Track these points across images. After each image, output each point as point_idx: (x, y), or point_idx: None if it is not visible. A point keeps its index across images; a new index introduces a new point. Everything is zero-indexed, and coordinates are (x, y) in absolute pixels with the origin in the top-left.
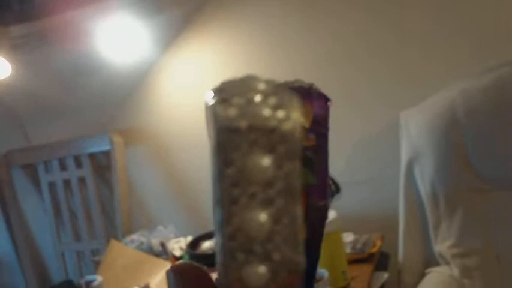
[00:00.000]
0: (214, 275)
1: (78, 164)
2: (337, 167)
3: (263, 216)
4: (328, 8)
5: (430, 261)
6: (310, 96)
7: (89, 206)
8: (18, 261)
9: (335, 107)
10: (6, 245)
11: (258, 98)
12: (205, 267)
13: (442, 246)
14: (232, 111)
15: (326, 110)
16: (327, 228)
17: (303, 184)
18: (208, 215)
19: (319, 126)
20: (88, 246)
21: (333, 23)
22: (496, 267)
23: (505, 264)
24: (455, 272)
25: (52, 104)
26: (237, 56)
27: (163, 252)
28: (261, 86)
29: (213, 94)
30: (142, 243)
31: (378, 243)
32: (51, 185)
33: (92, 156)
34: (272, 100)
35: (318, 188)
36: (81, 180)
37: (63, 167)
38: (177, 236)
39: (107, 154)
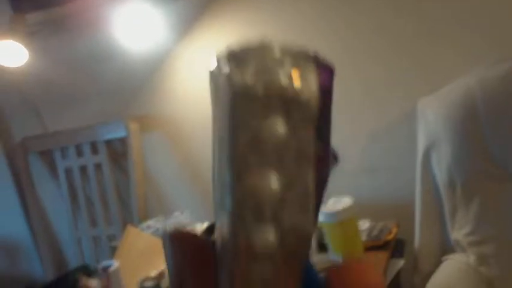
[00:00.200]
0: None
1: (95, 150)
2: (354, 154)
3: (275, 181)
4: None
5: (446, 248)
6: (317, 66)
7: (105, 192)
8: (35, 247)
9: (351, 96)
10: (24, 231)
11: (274, 64)
12: None
13: (458, 233)
14: (248, 77)
15: (331, 79)
16: (344, 215)
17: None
18: None
19: (324, 97)
20: (104, 232)
21: (347, 11)
22: None
23: None
24: (472, 259)
25: (68, 91)
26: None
27: None
28: (277, 52)
29: (225, 59)
30: (158, 229)
31: (394, 230)
32: (68, 172)
33: (108, 142)
34: (288, 66)
35: (322, 158)
36: (98, 167)
37: (79, 153)
38: (193, 222)
39: (123, 141)
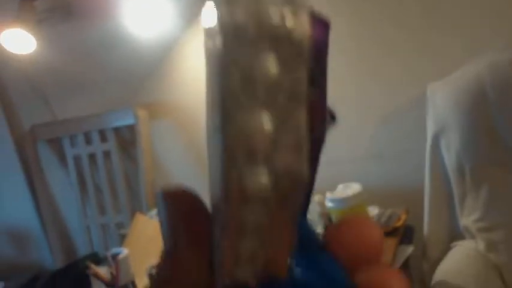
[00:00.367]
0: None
1: (103, 138)
2: (362, 141)
3: (267, 121)
4: None
5: (455, 235)
6: (312, 19)
7: (113, 179)
8: (45, 235)
9: (360, 82)
10: (33, 219)
11: (266, 2)
12: None
13: (467, 220)
14: (238, 15)
15: (326, 33)
16: (352, 202)
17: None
18: None
19: (319, 50)
20: (113, 220)
21: None
22: None
23: None
24: (481, 245)
25: (77, 79)
26: None
27: None
28: None
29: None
30: None
31: (403, 216)
32: (77, 159)
33: (116, 130)
34: (280, 5)
35: (317, 105)
36: (106, 154)
37: (88, 141)
38: None
39: (131, 128)
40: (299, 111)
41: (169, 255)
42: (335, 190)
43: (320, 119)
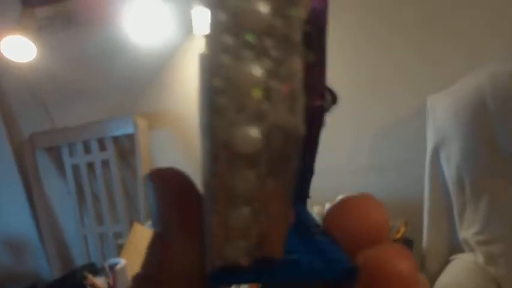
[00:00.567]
0: None
1: (102, 147)
2: (363, 152)
3: (257, 68)
4: None
5: (455, 248)
6: None
7: (112, 189)
8: (42, 244)
9: (360, 93)
10: (30, 228)
11: None
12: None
13: (466, 232)
14: None
15: (325, 2)
16: None
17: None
18: None
19: (318, 19)
20: (111, 230)
21: (357, 8)
22: None
23: None
24: (480, 259)
25: (76, 87)
26: None
27: None
28: None
29: None
30: None
31: (402, 229)
32: (75, 168)
33: (115, 139)
34: None
35: (314, 66)
36: (105, 163)
37: (87, 150)
38: None
39: (130, 137)
40: (293, 58)
41: (160, 238)
42: (335, 201)
43: (318, 92)
